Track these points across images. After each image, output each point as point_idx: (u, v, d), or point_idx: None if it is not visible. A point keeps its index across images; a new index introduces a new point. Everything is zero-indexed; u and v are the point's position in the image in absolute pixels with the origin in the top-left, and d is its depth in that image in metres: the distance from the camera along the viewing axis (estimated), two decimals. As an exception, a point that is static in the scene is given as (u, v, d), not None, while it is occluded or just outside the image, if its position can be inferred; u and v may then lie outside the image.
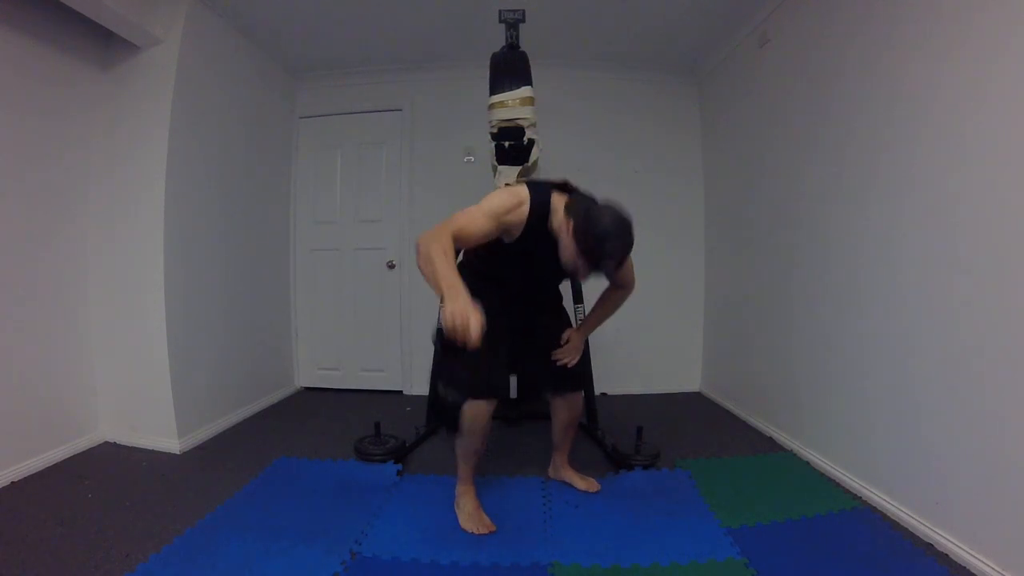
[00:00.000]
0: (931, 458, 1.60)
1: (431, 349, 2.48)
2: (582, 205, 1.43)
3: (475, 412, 1.63)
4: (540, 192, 1.51)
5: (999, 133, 1.39)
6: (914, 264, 1.69)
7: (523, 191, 1.50)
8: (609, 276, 1.56)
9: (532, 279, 1.74)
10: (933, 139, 1.61)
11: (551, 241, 1.50)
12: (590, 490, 1.91)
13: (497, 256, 1.57)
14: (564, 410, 1.89)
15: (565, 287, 2.35)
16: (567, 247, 1.43)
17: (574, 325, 1.93)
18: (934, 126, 1.60)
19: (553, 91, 3.07)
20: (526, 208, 1.48)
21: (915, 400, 1.67)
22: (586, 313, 2.03)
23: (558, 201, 1.51)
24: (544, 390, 1.91)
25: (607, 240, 1.36)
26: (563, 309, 1.92)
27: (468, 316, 1.16)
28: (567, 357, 1.80)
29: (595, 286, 1.82)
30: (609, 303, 1.86)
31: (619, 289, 1.82)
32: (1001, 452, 1.37)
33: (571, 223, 1.40)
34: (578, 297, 2.46)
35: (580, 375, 1.88)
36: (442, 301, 1.21)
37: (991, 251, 1.42)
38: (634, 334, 3.36)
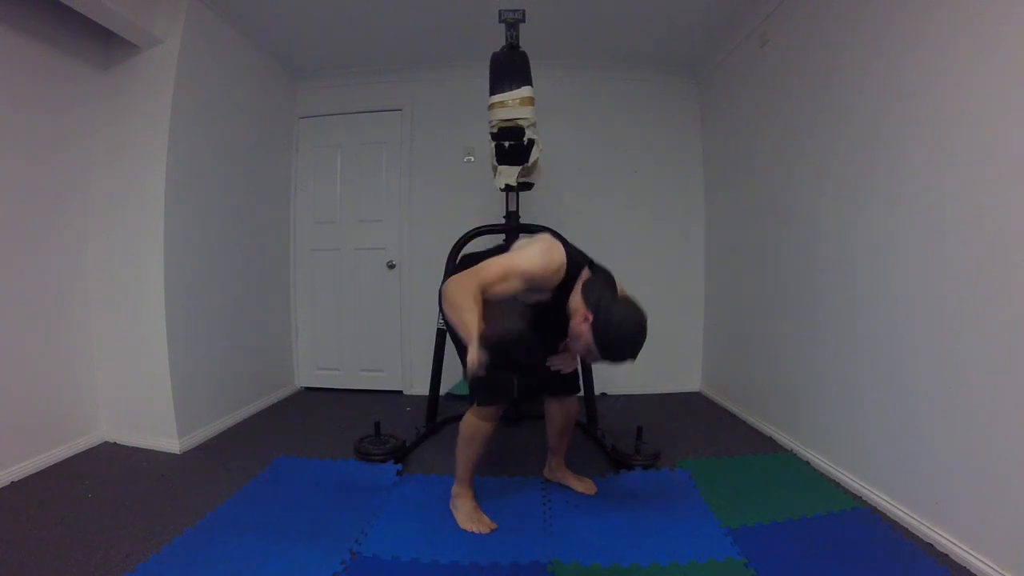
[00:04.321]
0: (930, 458, 1.60)
1: (431, 349, 2.50)
2: (601, 297, 1.43)
3: (482, 418, 1.64)
4: (576, 263, 1.51)
5: (991, 132, 1.39)
6: (909, 263, 1.69)
7: (560, 256, 1.48)
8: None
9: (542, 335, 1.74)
10: (927, 138, 1.61)
11: (564, 307, 1.51)
12: (588, 492, 1.91)
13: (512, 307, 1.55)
14: (560, 414, 1.90)
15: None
16: (582, 336, 1.43)
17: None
18: (928, 125, 1.61)
19: (553, 91, 3.07)
20: (562, 276, 1.48)
21: (913, 400, 1.67)
22: None
23: (583, 274, 1.52)
24: (541, 394, 1.92)
25: (625, 345, 1.40)
26: None
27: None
28: (562, 365, 1.82)
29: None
30: None
31: None
32: (1000, 452, 1.37)
33: (591, 317, 1.40)
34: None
35: (575, 379, 1.89)
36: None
37: (984, 250, 1.42)
38: (634, 334, 3.36)
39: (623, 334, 1.39)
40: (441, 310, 1.54)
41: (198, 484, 1.98)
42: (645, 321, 1.42)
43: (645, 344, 1.45)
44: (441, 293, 1.42)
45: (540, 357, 1.81)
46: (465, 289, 1.35)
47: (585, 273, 1.53)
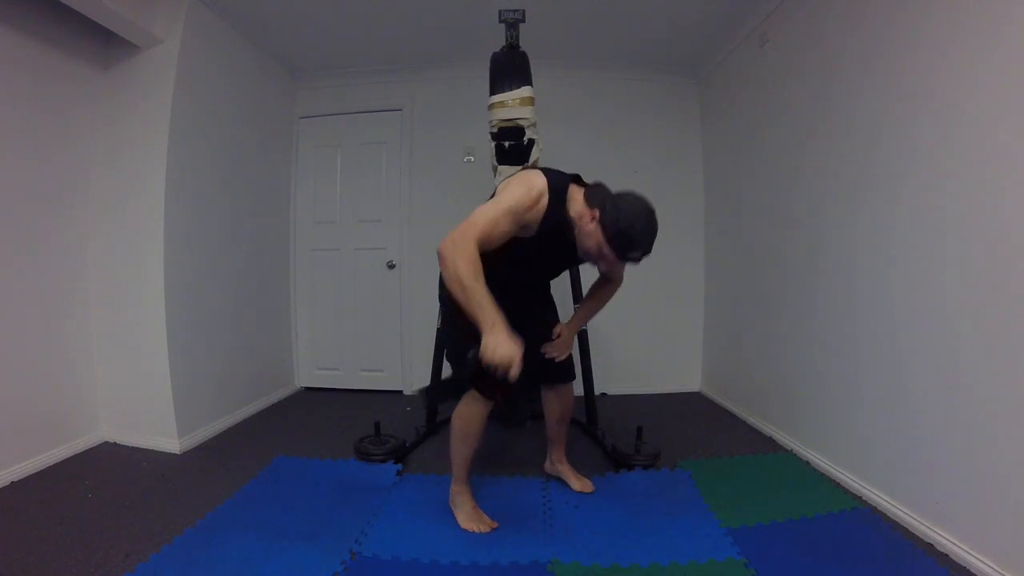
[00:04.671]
0: (930, 458, 1.60)
1: (431, 349, 2.50)
2: (606, 195, 1.41)
3: (472, 412, 1.63)
4: (558, 181, 1.48)
5: (991, 132, 1.40)
6: (909, 263, 1.69)
7: (540, 181, 1.45)
8: (632, 263, 1.49)
9: (538, 270, 1.73)
10: (927, 138, 1.61)
11: (564, 231, 1.49)
12: (584, 491, 1.90)
13: (509, 251, 1.50)
14: (556, 403, 1.89)
15: (565, 288, 2.36)
16: (592, 236, 1.39)
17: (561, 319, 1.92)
18: (928, 126, 1.61)
19: (553, 91, 3.07)
20: (545, 200, 1.44)
21: (913, 400, 1.67)
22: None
23: (575, 192, 1.49)
24: (536, 383, 1.90)
25: (638, 231, 1.35)
26: (552, 302, 1.92)
27: (511, 355, 1.20)
28: (557, 352, 1.80)
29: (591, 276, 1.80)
30: (598, 298, 1.85)
31: (609, 283, 1.82)
32: (1000, 452, 1.37)
33: (598, 213, 1.37)
34: (579, 298, 2.46)
35: (570, 367, 1.88)
36: (477, 330, 1.24)
37: (984, 250, 1.42)
38: (634, 334, 3.36)
39: (634, 222, 1.34)
40: (441, 283, 1.46)
41: (198, 484, 1.98)
42: (654, 209, 1.39)
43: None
44: (441, 255, 1.33)
45: (536, 343, 1.80)
46: (464, 250, 1.28)
47: (574, 191, 1.49)
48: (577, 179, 1.54)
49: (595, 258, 1.45)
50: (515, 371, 1.21)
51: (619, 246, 1.36)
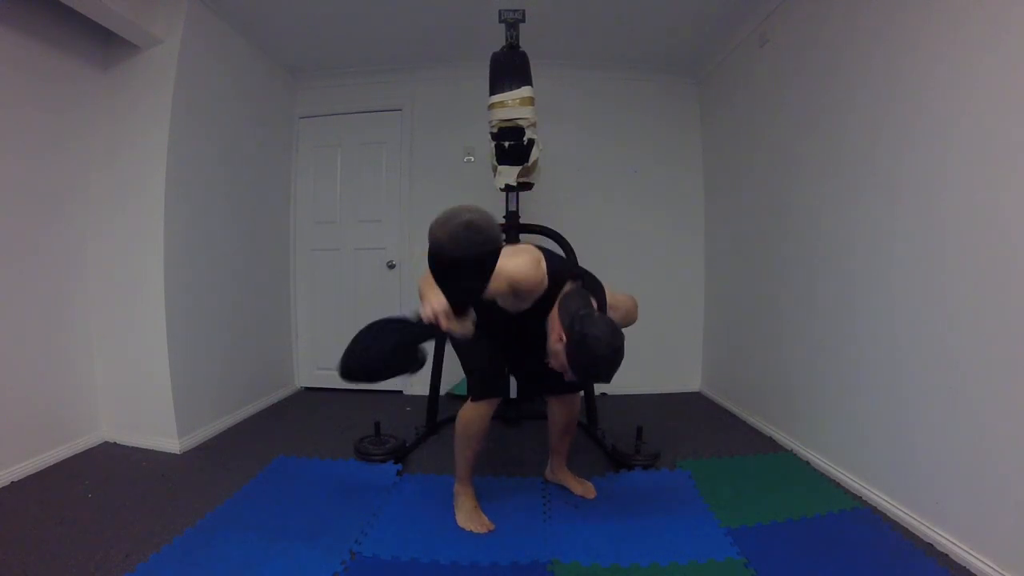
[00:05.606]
0: (930, 458, 1.60)
1: (430, 349, 2.49)
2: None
3: (476, 413, 1.64)
4: (557, 278, 1.51)
5: (991, 132, 1.40)
6: (907, 263, 1.69)
7: (543, 271, 1.47)
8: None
9: (514, 340, 1.73)
10: (927, 138, 1.61)
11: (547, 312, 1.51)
12: (587, 495, 1.89)
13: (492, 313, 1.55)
14: (561, 413, 1.88)
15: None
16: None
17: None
18: (928, 125, 1.61)
19: (553, 91, 3.07)
20: (543, 287, 1.48)
21: (913, 400, 1.67)
22: None
23: (565, 288, 1.51)
24: (541, 393, 1.90)
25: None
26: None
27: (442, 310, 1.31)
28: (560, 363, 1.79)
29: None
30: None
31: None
32: (1000, 452, 1.37)
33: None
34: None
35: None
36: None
37: (984, 249, 1.42)
38: (634, 334, 3.35)
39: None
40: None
41: (198, 484, 1.98)
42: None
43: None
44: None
45: (540, 356, 1.80)
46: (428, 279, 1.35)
47: (568, 286, 1.52)
48: (574, 275, 1.57)
49: (561, 371, 1.49)
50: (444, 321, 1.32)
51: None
